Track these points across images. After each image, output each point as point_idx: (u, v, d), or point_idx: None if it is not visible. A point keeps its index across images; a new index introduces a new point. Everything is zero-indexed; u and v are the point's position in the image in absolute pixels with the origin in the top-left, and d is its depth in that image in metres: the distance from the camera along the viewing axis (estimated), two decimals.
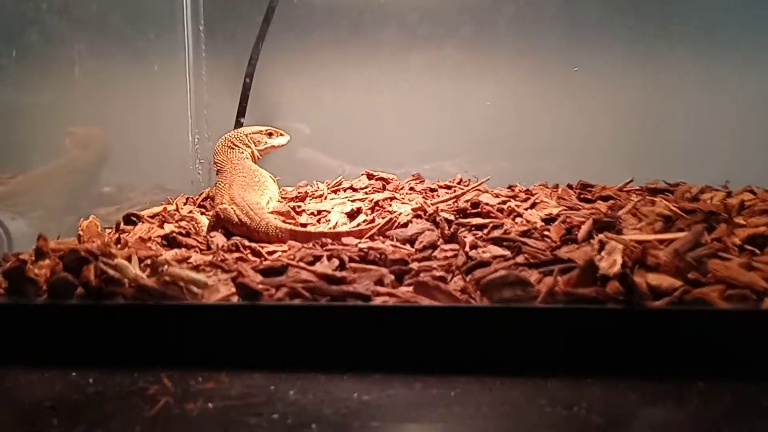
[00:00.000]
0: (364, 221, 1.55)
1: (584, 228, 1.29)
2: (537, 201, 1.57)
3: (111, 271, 1.03)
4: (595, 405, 0.87)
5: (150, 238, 1.37)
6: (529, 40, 2.09)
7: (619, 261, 1.05)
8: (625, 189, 1.81)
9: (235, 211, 1.49)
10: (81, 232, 1.39)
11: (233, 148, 1.77)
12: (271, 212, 1.54)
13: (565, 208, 1.50)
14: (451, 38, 2.11)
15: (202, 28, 2.09)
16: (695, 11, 2.05)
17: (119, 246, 1.25)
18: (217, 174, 1.76)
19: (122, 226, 1.51)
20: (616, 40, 2.06)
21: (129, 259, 1.10)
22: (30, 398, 0.92)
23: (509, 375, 0.96)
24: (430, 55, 2.12)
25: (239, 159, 1.74)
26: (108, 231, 1.50)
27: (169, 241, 1.37)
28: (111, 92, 1.69)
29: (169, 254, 1.26)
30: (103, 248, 1.08)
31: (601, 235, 1.21)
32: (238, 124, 2.07)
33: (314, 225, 1.56)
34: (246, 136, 1.82)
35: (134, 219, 1.56)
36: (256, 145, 1.82)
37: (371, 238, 1.39)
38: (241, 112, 2.08)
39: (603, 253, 1.09)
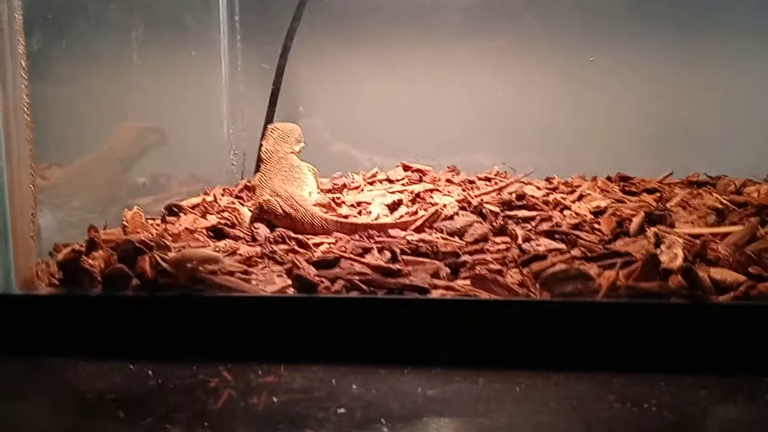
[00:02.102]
0: (406, 213, 1.53)
1: (636, 221, 1.27)
2: (583, 193, 1.55)
3: (165, 265, 1.02)
4: (665, 402, 0.86)
5: (196, 230, 1.36)
6: (559, 31, 2.06)
7: (681, 255, 1.04)
8: (666, 182, 1.79)
9: (279, 202, 1.48)
10: (126, 223, 1.39)
11: (284, 141, 1.76)
12: (314, 204, 1.53)
13: (612, 200, 1.48)
14: (481, 30, 2.09)
15: (237, 19, 2.08)
16: None
17: (176, 236, 1.24)
18: (260, 162, 1.74)
19: (166, 217, 1.50)
20: (646, 29, 2.03)
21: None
22: (92, 390, 0.92)
23: (572, 370, 0.95)
24: (460, 47, 2.10)
25: (286, 153, 1.73)
26: (150, 222, 1.49)
27: (216, 233, 1.36)
28: (149, 83, 1.69)
29: (219, 245, 1.26)
30: (158, 240, 1.07)
31: (654, 228, 1.20)
32: (270, 114, 2.07)
33: (356, 217, 1.55)
34: (299, 132, 1.81)
35: (176, 210, 1.55)
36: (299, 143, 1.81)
37: (417, 230, 1.38)
38: (273, 103, 2.07)
39: (662, 247, 1.07)
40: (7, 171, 1.03)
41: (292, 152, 1.74)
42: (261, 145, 1.79)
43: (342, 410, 0.85)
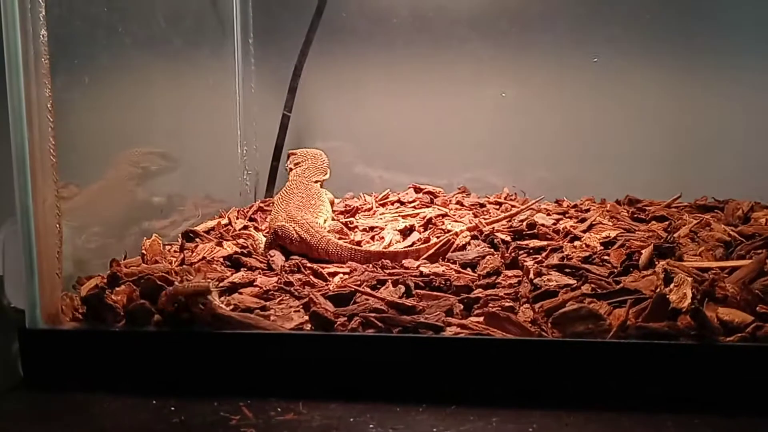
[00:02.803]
0: (418, 240, 1.56)
1: (645, 254, 1.29)
2: (594, 222, 1.57)
3: (193, 306, 1.05)
4: None
5: (213, 259, 1.39)
6: (569, 47, 2.08)
7: (689, 294, 1.06)
8: (673, 205, 1.81)
9: (294, 228, 1.51)
10: (144, 251, 1.42)
11: (314, 168, 1.80)
12: (328, 231, 1.56)
13: (622, 230, 1.51)
14: (491, 47, 2.11)
15: (251, 41, 2.11)
16: (745, 9, 2.02)
17: (195, 267, 1.27)
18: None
19: (185, 244, 1.53)
20: (655, 45, 2.04)
21: None
22: (119, 427, 0.95)
23: (583, 410, 0.97)
24: (469, 64, 2.13)
25: (311, 180, 1.77)
26: (167, 248, 1.52)
27: (233, 263, 1.39)
28: (166, 107, 1.72)
29: (235, 277, 1.29)
30: (183, 275, 1.10)
31: (663, 263, 1.22)
32: (282, 135, 2.10)
33: (369, 243, 1.58)
34: (327, 162, 1.85)
35: (192, 236, 1.58)
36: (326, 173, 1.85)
37: (430, 259, 1.41)
38: (284, 125, 2.11)
39: (672, 286, 1.10)
40: (33, 210, 1.06)
41: (317, 181, 1.78)
42: (289, 169, 1.83)
43: None
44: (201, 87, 1.92)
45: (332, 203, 1.84)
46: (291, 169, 1.85)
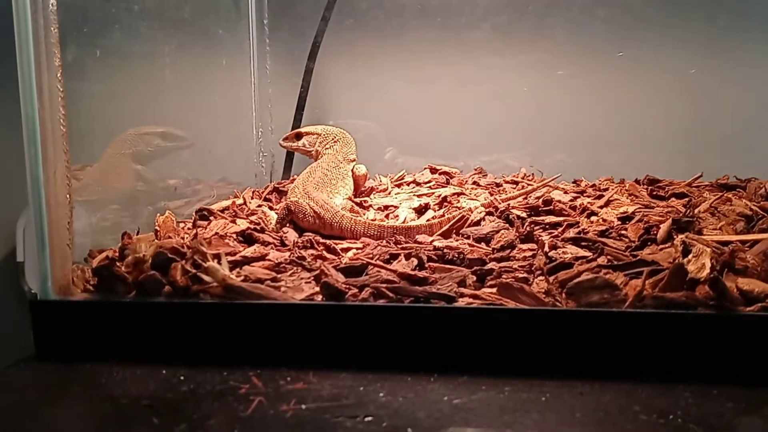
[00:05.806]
0: (432, 217, 1.54)
1: (664, 228, 1.27)
2: (611, 198, 1.55)
3: (203, 276, 1.05)
4: (692, 413, 0.86)
5: (226, 235, 1.38)
6: (587, 29, 2.05)
7: (708, 265, 1.04)
8: (694, 184, 1.78)
9: (308, 203, 1.50)
10: (158, 227, 1.42)
11: (347, 150, 1.79)
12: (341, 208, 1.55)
13: (640, 206, 1.48)
14: (509, 30, 2.08)
15: (266, 22, 2.10)
16: None
17: (208, 242, 1.27)
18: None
19: (198, 221, 1.53)
20: (676, 26, 2.01)
21: (218, 257, 1.11)
22: (127, 395, 0.95)
23: (597, 379, 0.95)
24: (487, 47, 2.10)
25: (331, 155, 1.76)
26: (181, 225, 1.52)
27: (246, 238, 1.38)
28: (181, 88, 1.71)
29: (248, 251, 1.28)
30: (195, 246, 1.09)
31: (682, 236, 1.20)
32: (298, 116, 2.09)
33: (383, 221, 1.56)
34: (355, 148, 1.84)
35: (207, 214, 1.57)
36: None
37: (444, 235, 1.39)
38: (301, 106, 2.10)
39: (690, 256, 1.07)
40: (44, 181, 1.06)
41: (346, 159, 1.76)
42: (316, 150, 1.82)
43: (369, 418, 0.87)
44: (215, 68, 1.92)
45: (365, 177, 1.82)
46: (318, 151, 1.83)
